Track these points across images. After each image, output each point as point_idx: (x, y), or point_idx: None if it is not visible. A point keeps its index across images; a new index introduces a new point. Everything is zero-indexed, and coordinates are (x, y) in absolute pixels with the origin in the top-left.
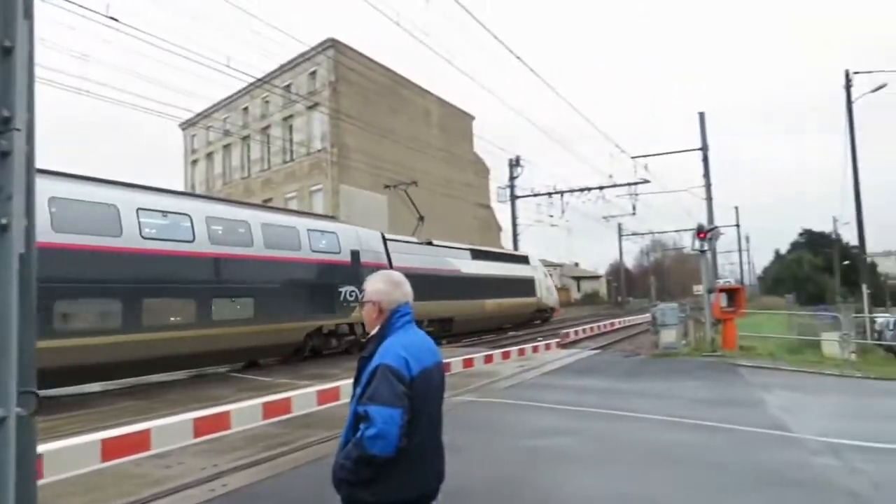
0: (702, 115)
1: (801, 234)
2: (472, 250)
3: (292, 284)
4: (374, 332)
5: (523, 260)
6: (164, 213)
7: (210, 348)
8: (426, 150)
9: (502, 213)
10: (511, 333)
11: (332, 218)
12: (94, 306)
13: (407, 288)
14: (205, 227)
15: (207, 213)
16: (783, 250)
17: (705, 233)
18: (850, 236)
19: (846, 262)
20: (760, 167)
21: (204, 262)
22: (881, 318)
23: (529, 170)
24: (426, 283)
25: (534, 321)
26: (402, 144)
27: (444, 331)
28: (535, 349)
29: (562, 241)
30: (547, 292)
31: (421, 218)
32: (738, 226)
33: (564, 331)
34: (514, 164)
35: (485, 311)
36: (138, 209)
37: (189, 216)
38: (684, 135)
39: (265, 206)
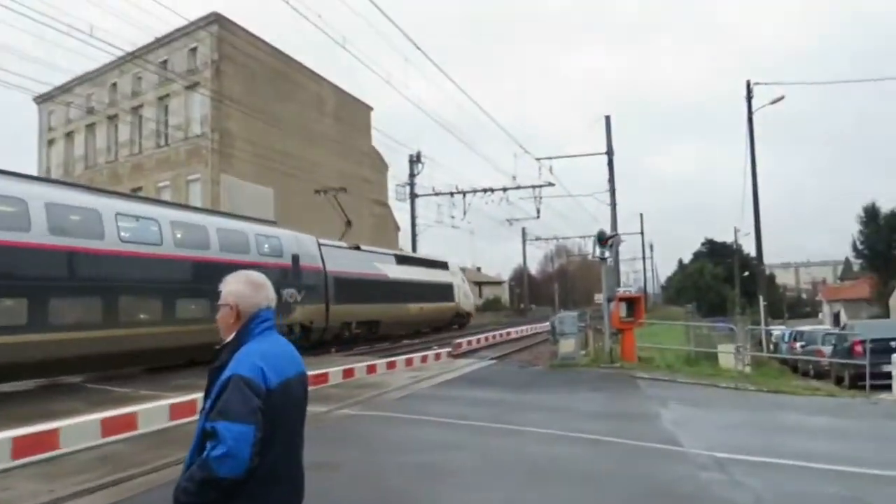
0: (608, 118)
1: (703, 244)
2: (396, 256)
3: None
4: (228, 339)
5: (443, 266)
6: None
7: (175, 344)
8: (319, 140)
9: (401, 213)
10: (418, 341)
11: (273, 223)
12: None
13: (270, 291)
14: (170, 231)
15: (172, 218)
16: (686, 259)
17: (607, 239)
18: (750, 247)
19: (746, 273)
20: (666, 175)
21: (167, 264)
22: (777, 330)
23: (430, 167)
24: (356, 287)
25: (452, 325)
26: (292, 133)
27: (371, 333)
28: (435, 357)
29: (463, 243)
30: (465, 298)
31: (348, 223)
32: (642, 233)
33: (458, 340)
34: (415, 160)
35: (409, 315)
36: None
37: (156, 221)
38: (591, 138)
39: (218, 211)
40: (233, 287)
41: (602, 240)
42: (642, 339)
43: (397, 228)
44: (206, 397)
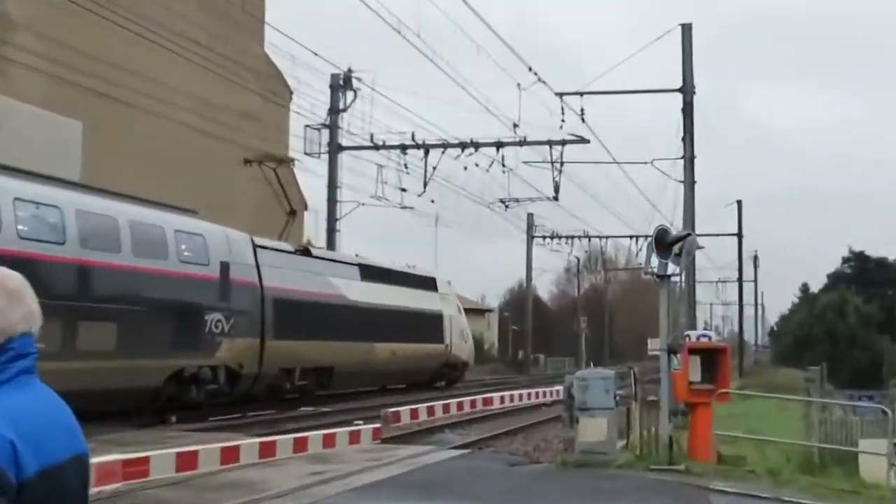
0: (686, 29)
1: (847, 261)
2: (361, 266)
3: (155, 307)
4: None
5: (429, 285)
6: None
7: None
8: (169, 44)
9: (312, 177)
10: (360, 406)
11: (193, 212)
12: None
13: (32, 303)
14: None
15: (79, 206)
16: (815, 286)
17: (673, 242)
18: None
19: None
20: (784, 138)
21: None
22: None
23: (370, 102)
24: (304, 315)
25: (437, 381)
26: (119, 31)
27: (321, 386)
28: (373, 436)
29: (422, 238)
30: (460, 338)
31: (292, 212)
32: (739, 236)
33: (394, 409)
34: (341, 85)
35: (375, 361)
36: None
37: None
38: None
39: (117, 193)
40: None
41: (664, 243)
42: (728, 423)
43: (304, 206)
44: None
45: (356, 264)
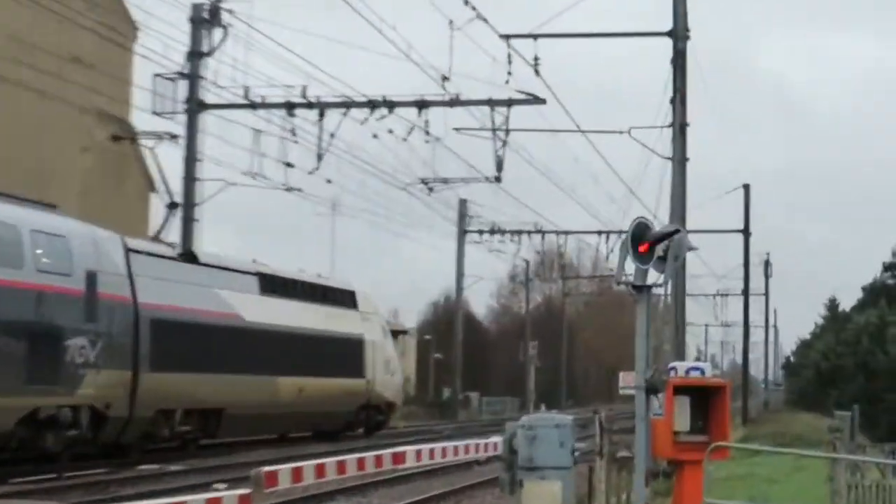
0: None
1: (888, 269)
2: (260, 276)
3: (5, 330)
4: None
5: (347, 300)
6: None
7: None
8: None
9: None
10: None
11: (52, 206)
12: None
13: None
14: None
15: None
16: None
17: (654, 240)
18: None
19: None
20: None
21: None
22: None
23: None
24: (187, 340)
25: (355, 427)
26: None
27: (206, 434)
28: None
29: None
30: (384, 371)
31: (173, 205)
32: (746, 233)
33: (269, 468)
34: (206, 20)
35: (276, 400)
36: None
37: None
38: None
39: None
40: None
41: (643, 242)
42: (727, 489)
43: (150, 187)
44: None
45: (254, 273)
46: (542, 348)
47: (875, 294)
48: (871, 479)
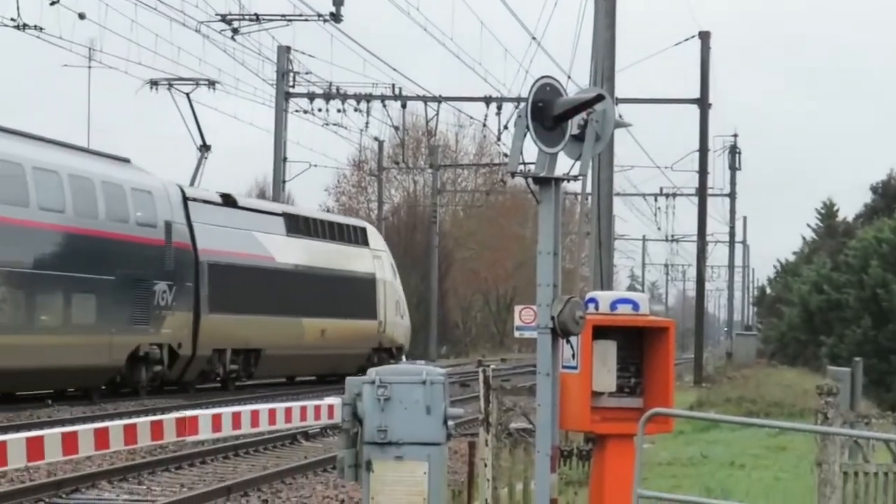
0: None
1: (877, 189)
2: (286, 216)
3: (120, 278)
4: None
5: (359, 237)
6: None
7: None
8: None
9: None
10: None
11: (126, 160)
12: None
13: None
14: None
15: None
16: (847, 210)
17: (567, 111)
18: None
19: None
20: None
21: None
22: None
23: None
24: (239, 284)
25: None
26: None
27: (246, 373)
28: None
29: (62, 90)
30: (395, 313)
31: (205, 146)
32: (703, 101)
33: None
34: None
35: (303, 342)
36: None
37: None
38: None
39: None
40: None
41: (550, 112)
42: (670, 476)
43: None
44: None
45: (280, 214)
46: (403, 270)
47: (889, 197)
48: (877, 463)
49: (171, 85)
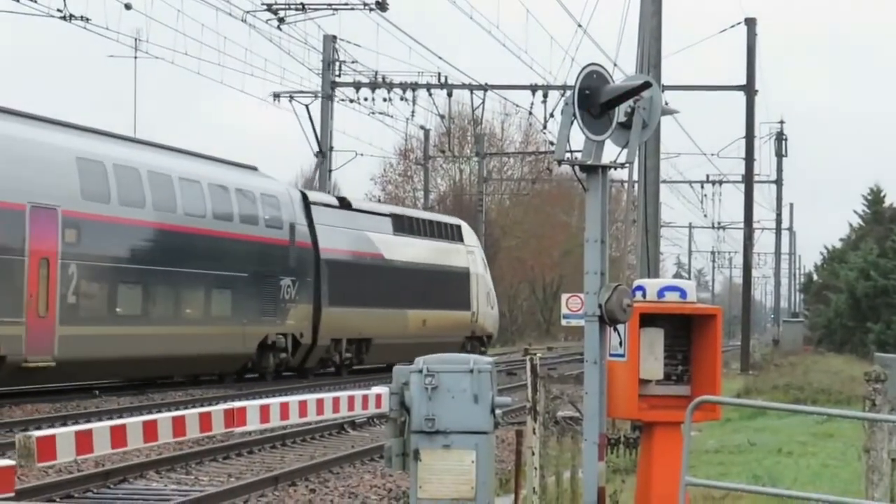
0: None
1: None
2: (393, 217)
3: (253, 274)
4: None
5: (455, 234)
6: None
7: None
8: None
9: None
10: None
11: (253, 168)
12: None
13: None
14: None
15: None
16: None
17: (614, 98)
18: None
19: None
20: None
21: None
22: None
23: None
24: (353, 280)
25: None
26: None
27: (358, 360)
28: None
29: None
30: (486, 304)
31: (321, 153)
32: (749, 88)
33: (43, 433)
34: None
35: (407, 331)
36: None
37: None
38: None
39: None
40: None
41: (596, 99)
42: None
43: None
44: None
45: (388, 214)
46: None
47: None
48: None
49: (292, 97)
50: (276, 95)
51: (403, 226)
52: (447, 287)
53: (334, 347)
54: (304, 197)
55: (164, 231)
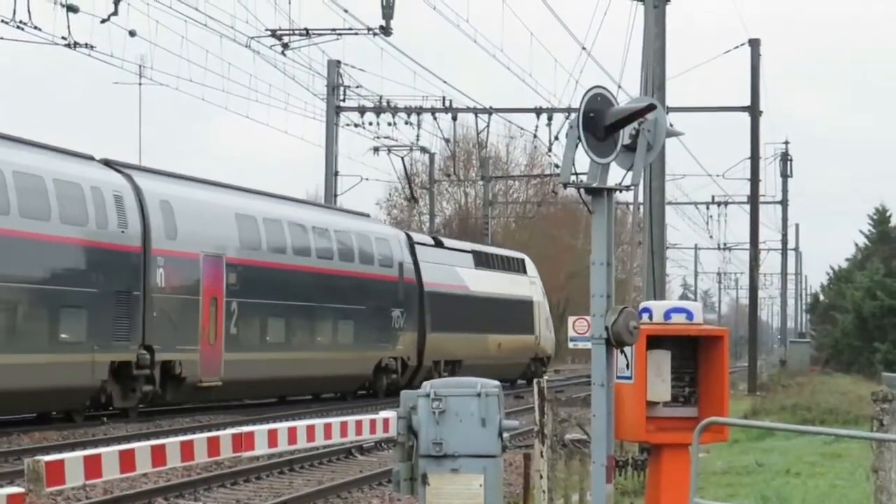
0: None
1: None
2: (474, 252)
3: (373, 306)
4: None
5: (520, 266)
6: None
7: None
8: None
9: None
10: None
11: (366, 215)
12: None
13: None
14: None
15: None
16: None
17: (619, 121)
18: None
19: None
20: None
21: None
22: None
23: None
24: (449, 309)
25: (524, 377)
26: None
27: None
28: None
29: (110, 99)
30: (546, 328)
31: (412, 198)
32: (754, 109)
33: (52, 458)
34: None
35: (487, 353)
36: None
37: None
38: None
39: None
40: None
41: (601, 122)
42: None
43: None
44: None
45: (470, 251)
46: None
47: None
48: None
49: (390, 150)
50: (376, 149)
51: (482, 260)
52: (516, 314)
53: (434, 368)
54: (409, 238)
55: (302, 272)
